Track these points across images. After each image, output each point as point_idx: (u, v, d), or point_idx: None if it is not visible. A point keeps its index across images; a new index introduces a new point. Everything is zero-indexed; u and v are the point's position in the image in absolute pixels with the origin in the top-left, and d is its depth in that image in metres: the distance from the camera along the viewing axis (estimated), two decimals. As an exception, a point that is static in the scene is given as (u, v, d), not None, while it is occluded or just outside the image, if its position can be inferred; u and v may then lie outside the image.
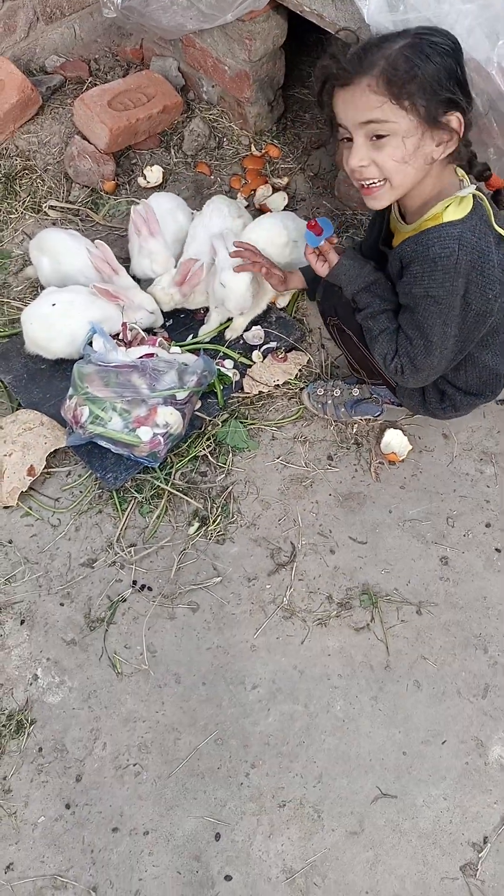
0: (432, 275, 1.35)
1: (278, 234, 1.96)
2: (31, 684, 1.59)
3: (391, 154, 1.30)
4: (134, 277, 2.03)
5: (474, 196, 1.40)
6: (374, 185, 1.36)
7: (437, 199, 1.40)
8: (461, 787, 1.49)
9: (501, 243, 1.43)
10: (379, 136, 1.29)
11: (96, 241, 1.96)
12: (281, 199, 2.35)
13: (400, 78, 1.23)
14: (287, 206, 2.35)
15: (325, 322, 1.86)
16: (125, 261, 2.10)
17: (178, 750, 1.53)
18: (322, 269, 1.62)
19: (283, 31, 2.29)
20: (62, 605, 1.68)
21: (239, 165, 2.48)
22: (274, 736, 1.54)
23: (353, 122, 1.30)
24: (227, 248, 1.88)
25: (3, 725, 1.54)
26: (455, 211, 1.37)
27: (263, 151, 2.50)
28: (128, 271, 2.02)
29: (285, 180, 2.43)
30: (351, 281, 1.55)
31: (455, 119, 1.29)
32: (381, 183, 1.35)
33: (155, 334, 2.00)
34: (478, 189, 1.42)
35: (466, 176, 1.47)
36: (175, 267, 2.01)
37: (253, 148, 2.51)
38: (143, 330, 1.96)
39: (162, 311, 2.02)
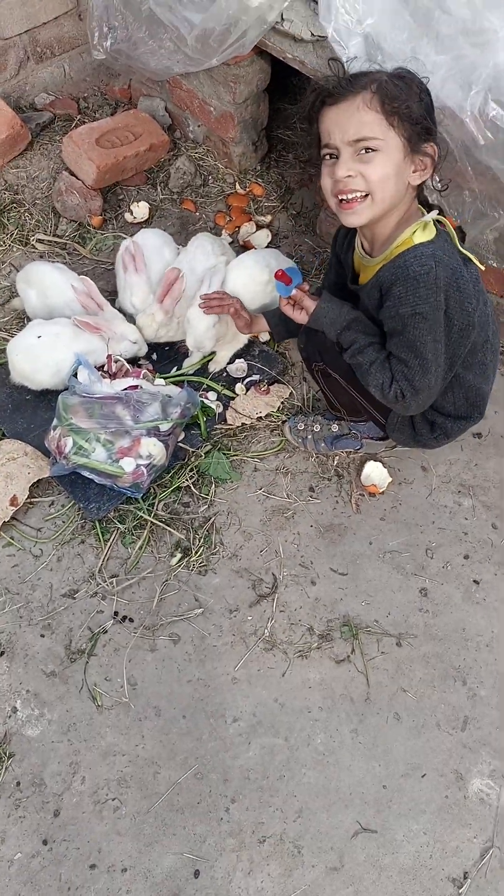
0: (416, 292, 1.40)
1: (260, 272, 1.99)
2: (9, 717, 1.57)
3: (377, 167, 1.37)
4: (121, 311, 2.06)
5: (436, 222, 1.48)
6: (355, 199, 1.41)
7: (404, 226, 1.47)
8: (441, 821, 1.49)
9: (468, 263, 1.50)
10: (367, 150, 1.36)
11: (81, 276, 1.99)
12: (264, 236, 2.41)
13: (393, 97, 1.33)
14: (270, 243, 2.41)
15: (308, 368, 1.88)
16: (112, 294, 2.13)
17: (157, 784, 1.51)
18: (300, 317, 1.63)
19: (267, 76, 2.37)
20: (42, 636, 1.67)
21: (224, 203, 2.54)
22: (254, 770, 1.53)
23: (342, 139, 1.36)
24: (210, 287, 1.92)
25: (-19, 760, 1.52)
26: (422, 234, 1.44)
27: (248, 190, 2.57)
28: (114, 305, 2.06)
29: (269, 218, 2.49)
30: (333, 322, 1.58)
31: (431, 148, 1.40)
32: (363, 198, 1.40)
33: (139, 366, 2.03)
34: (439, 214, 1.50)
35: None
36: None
37: (237, 186, 2.58)
38: (128, 361, 1.99)
39: (146, 342, 2.04)
